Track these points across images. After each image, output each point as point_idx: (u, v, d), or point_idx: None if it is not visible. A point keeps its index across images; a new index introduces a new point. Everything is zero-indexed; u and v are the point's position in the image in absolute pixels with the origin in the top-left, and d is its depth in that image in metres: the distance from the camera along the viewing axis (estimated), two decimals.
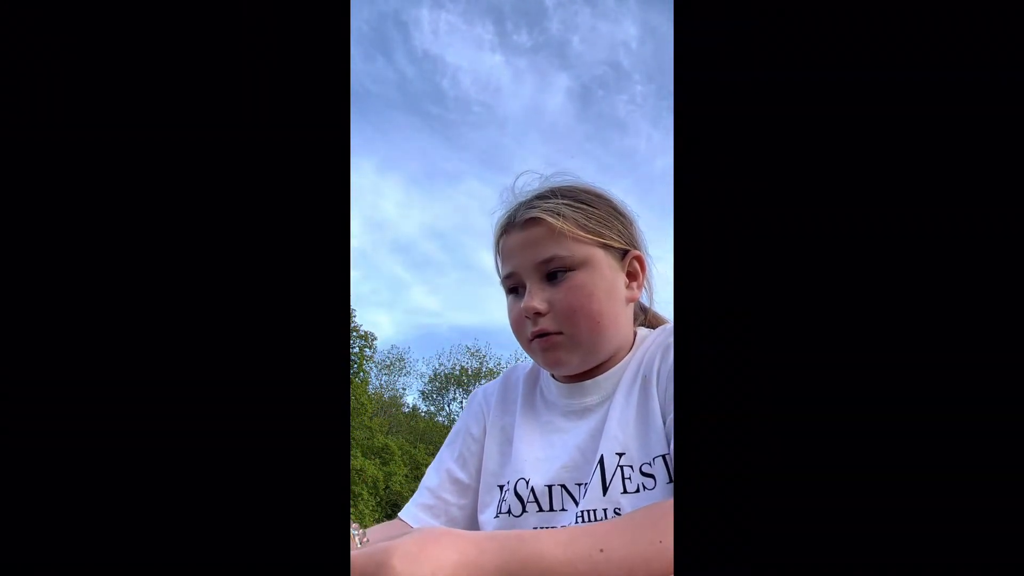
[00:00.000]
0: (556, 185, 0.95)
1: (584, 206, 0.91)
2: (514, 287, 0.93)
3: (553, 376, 0.98)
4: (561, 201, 0.90)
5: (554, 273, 0.88)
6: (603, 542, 0.60)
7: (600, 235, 0.90)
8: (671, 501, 0.65)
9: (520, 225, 0.91)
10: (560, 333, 0.88)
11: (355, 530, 0.75)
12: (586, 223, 0.89)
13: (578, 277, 0.88)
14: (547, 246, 0.88)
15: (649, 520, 0.63)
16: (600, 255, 0.90)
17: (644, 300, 1.01)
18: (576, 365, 0.91)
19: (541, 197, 0.92)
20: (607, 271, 0.90)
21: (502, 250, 0.94)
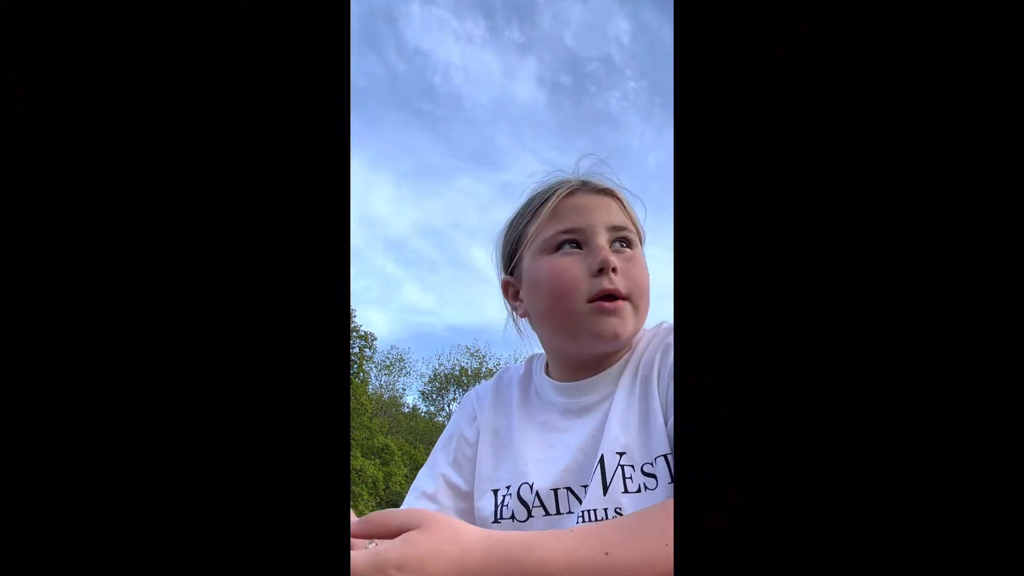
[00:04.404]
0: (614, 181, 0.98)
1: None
2: (567, 246, 0.88)
3: (548, 375, 0.97)
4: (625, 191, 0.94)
5: (621, 244, 0.89)
6: (608, 545, 0.59)
7: (642, 234, 0.95)
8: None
9: (593, 191, 0.92)
10: (628, 299, 0.86)
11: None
12: (638, 220, 0.95)
13: (640, 256, 0.91)
14: (621, 216, 0.90)
15: (655, 521, 0.62)
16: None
17: None
18: (623, 340, 0.88)
19: (607, 180, 0.95)
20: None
21: (563, 209, 0.90)
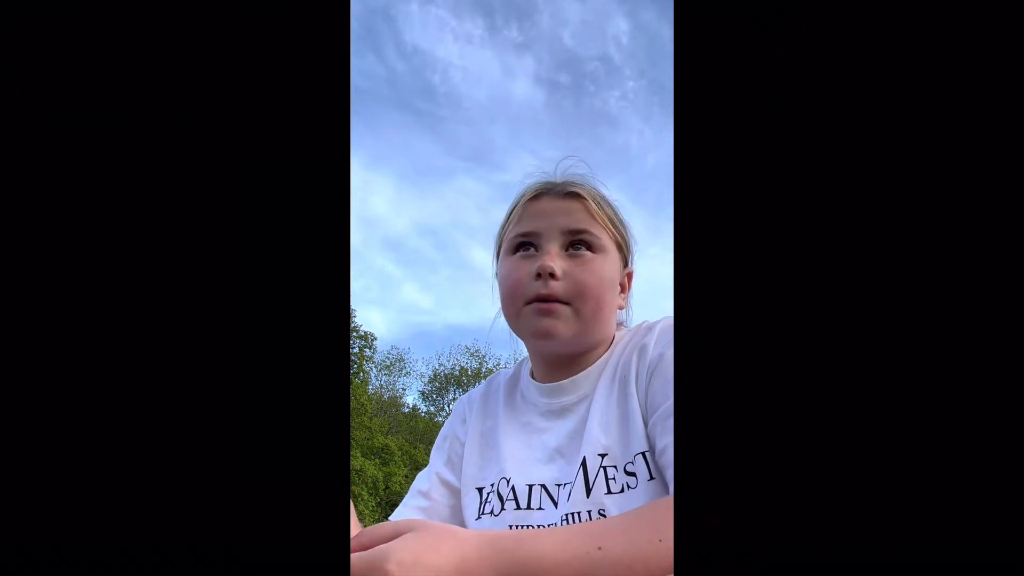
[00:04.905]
0: (592, 184, 0.99)
1: (613, 208, 0.96)
2: (524, 247, 0.92)
3: (532, 377, 0.99)
4: (599, 194, 0.95)
5: (577, 247, 0.90)
6: (601, 540, 0.60)
7: (621, 236, 0.95)
8: (670, 499, 0.65)
9: (560, 194, 0.93)
10: (567, 304, 0.88)
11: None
12: (615, 220, 0.95)
13: (597, 260, 0.91)
14: (582, 220, 0.91)
15: (649, 518, 0.63)
16: (614, 253, 0.94)
17: (621, 317, 1.03)
18: (566, 341, 0.90)
19: (581, 183, 0.96)
20: (615, 269, 0.94)
21: (525, 211, 0.94)
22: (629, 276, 1.00)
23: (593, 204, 0.92)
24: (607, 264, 0.92)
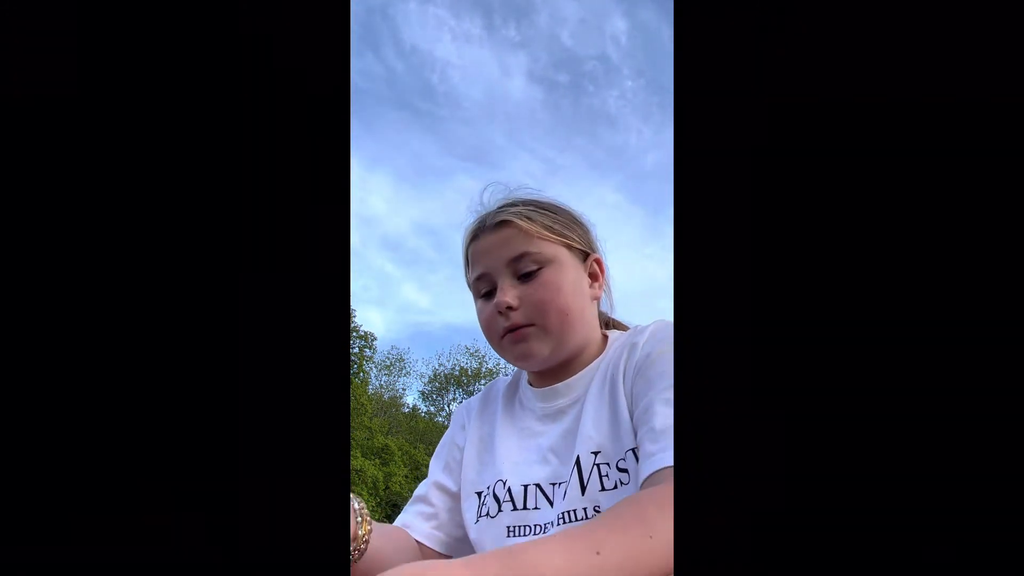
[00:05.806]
0: (520, 197, 1.02)
1: (548, 212, 0.99)
2: (485, 291, 0.98)
3: (529, 383, 1.02)
4: (527, 207, 0.98)
5: (525, 272, 0.94)
6: (598, 544, 0.59)
7: (565, 236, 0.97)
8: (649, 491, 0.67)
9: (491, 228, 0.97)
10: (531, 325, 0.93)
11: (356, 503, 0.77)
12: (552, 225, 0.97)
13: (547, 274, 0.94)
14: (518, 244, 0.94)
15: (637, 516, 0.63)
16: (565, 254, 0.97)
17: (605, 307, 1.06)
18: (546, 357, 0.95)
19: (508, 205, 0.99)
20: (572, 270, 0.97)
21: (472, 255, 0.99)
22: (598, 262, 1.01)
23: (523, 223, 0.95)
24: (559, 271, 0.95)
